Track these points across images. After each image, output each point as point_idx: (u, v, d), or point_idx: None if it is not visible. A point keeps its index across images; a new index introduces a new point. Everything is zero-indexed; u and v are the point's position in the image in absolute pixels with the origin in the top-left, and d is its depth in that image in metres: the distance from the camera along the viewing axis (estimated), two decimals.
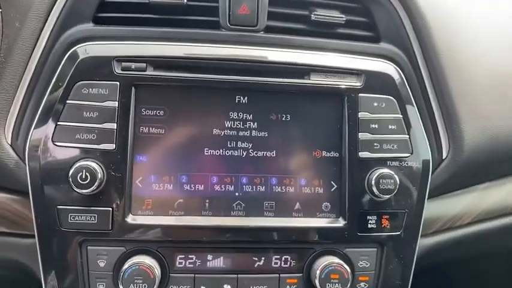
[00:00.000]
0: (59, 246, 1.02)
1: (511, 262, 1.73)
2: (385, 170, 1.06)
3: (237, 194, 1.06)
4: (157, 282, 1.00)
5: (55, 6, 1.07)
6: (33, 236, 1.05)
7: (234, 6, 1.09)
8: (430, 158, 1.12)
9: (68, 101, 1.01)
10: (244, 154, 1.07)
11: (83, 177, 0.97)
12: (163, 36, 1.07)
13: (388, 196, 1.07)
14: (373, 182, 1.06)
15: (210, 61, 1.06)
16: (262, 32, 1.11)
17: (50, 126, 1.01)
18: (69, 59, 1.04)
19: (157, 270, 1.02)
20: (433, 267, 1.41)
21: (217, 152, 1.06)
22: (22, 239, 1.12)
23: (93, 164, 0.98)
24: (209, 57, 1.06)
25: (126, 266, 1.00)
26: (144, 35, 1.08)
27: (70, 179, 0.97)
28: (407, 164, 1.10)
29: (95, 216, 1.01)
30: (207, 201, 1.06)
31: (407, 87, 1.13)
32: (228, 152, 1.07)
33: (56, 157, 1.00)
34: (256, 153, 1.08)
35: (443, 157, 1.18)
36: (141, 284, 0.98)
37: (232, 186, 1.07)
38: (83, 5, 1.08)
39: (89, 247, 1.03)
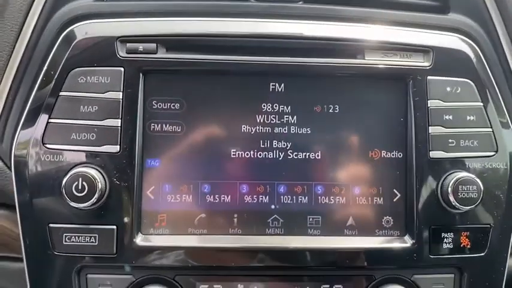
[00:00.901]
0: (51, 274, 0.87)
1: None
2: (465, 174, 0.88)
3: (273, 206, 0.88)
4: None
5: None
6: (21, 260, 0.91)
7: None
8: None
9: (61, 93, 0.86)
10: (282, 156, 0.89)
11: (80, 187, 0.82)
12: (177, 10, 0.94)
13: (469, 207, 0.88)
14: (449, 190, 0.87)
15: (236, 39, 0.90)
16: (301, 2, 0.96)
17: (40, 124, 0.86)
18: (64, 41, 0.89)
19: None
20: None
21: (248, 155, 0.88)
22: (11, 263, 1.01)
23: (92, 171, 0.83)
24: (235, 34, 0.90)
25: None
26: (154, 10, 0.94)
27: (63, 190, 0.81)
28: (491, 165, 0.92)
29: (95, 237, 0.85)
30: (236, 216, 0.88)
31: (488, 68, 0.94)
32: (260, 154, 0.89)
33: (47, 163, 0.85)
34: (296, 155, 0.89)
35: None
36: None
37: (267, 197, 0.88)
38: None
39: (88, 275, 0.88)
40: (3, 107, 0.91)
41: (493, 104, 0.92)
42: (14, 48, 0.91)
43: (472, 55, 0.93)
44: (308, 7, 0.94)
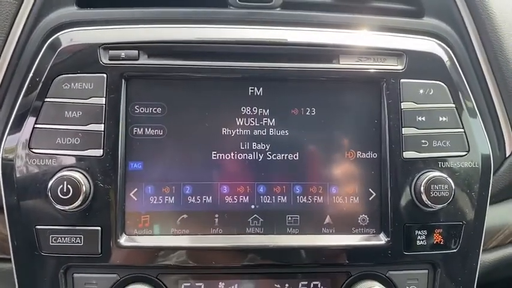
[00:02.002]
0: (39, 274, 0.89)
1: None
2: (437, 173, 0.90)
3: (253, 206, 0.90)
4: None
5: None
6: (7, 261, 0.95)
7: None
8: (491, 156, 0.95)
9: (46, 99, 0.88)
10: (261, 158, 0.91)
11: (65, 190, 0.83)
12: (158, 18, 0.96)
13: (441, 205, 0.90)
14: (422, 189, 0.89)
15: (215, 45, 0.91)
16: (278, 9, 0.98)
17: (27, 129, 0.87)
18: (49, 49, 0.90)
19: None
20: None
21: (228, 157, 0.90)
22: (1, 264, 1.00)
23: (76, 175, 0.84)
24: (215, 40, 0.91)
25: None
26: (136, 18, 0.96)
27: (49, 193, 0.83)
28: (463, 164, 0.93)
29: (81, 238, 0.87)
30: (217, 216, 0.90)
31: (460, 70, 0.96)
32: (240, 156, 0.90)
33: (34, 167, 0.87)
34: (275, 156, 0.91)
35: (507, 154, 1.03)
36: None
37: (247, 198, 0.90)
38: None
39: (75, 275, 0.90)
40: None
41: (465, 105, 0.94)
42: (0, 55, 0.92)
43: (444, 58, 0.95)
44: (286, 13, 0.96)
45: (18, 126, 0.87)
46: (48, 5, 0.94)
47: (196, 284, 0.90)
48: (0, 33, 0.92)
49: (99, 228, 0.86)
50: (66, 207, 0.84)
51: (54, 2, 0.94)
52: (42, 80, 0.87)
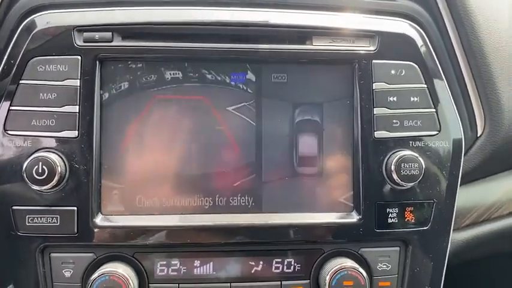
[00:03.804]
0: (16, 254, 0.90)
1: None
2: (407, 152, 0.92)
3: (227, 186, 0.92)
4: None
5: None
6: None
7: None
8: (463, 136, 0.98)
9: (21, 81, 0.89)
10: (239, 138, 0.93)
11: (40, 171, 0.85)
12: (133, 0, 0.94)
13: (411, 184, 0.92)
14: (392, 167, 0.91)
15: (190, 27, 0.91)
16: None
17: (2, 112, 0.89)
18: (23, 31, 0.91)
19: (134, 281, 0.88)
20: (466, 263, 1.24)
21: (202, 140, 0.92)
22: None
23: (52, 156, 0.86)
24: (189, 21, 0.92)
25: (95, 275, 0.86)
26: (111, 0, 0.94)
27: (24, 174, 0.85)
28: (434, 143, 0.95)
29: (57, 218, 0.88)
30: (191, 195, 0.91)
31: (432, 51, 0.98)
32: (222, 143, 0.93)
33: (9, 148, 0.88)
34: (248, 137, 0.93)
35: (478, 134, 1.05)
36: None
37: (223, 178, 0.92)
38: None
39: (52, 254, 0.91)
40: None
41: (436, 85, 0.96)
42: None
43: (417, 39, 0.97)
44: None
45: None
46: None
47: (172, 262, 0.92)
48: None
49: (75, 208, 0.87)
50: (42, 188, 0.85)
51: None
52: (17, 62, 0.88)
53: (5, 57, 0.89)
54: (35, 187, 0.85)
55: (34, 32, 0.89)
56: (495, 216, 1.13)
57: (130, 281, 0.86)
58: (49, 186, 0.84)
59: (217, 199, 0.92)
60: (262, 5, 0.96)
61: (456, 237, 1.08)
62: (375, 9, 0.99)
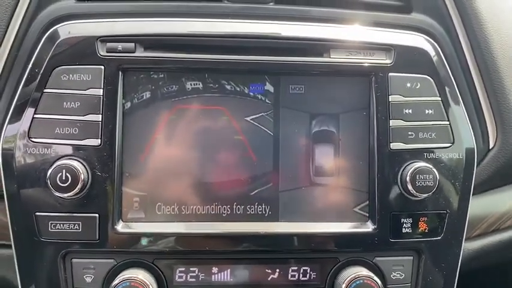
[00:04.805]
0: (39, 259, 0.93)
1: None
2: (422, 164, 0.94)
3: (247, 194, 0.95)
4: None
5: None
6: (7, 247, 0.98)
7: None
8: (475, 148, 1.00)
9: (45, 90, 0.91)
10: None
11: (63, 178, 0.87)
12: (154, 11, 1.00)
13: (426, 195, 0.95)
14: (407, 179, 0.94)
15: (210, 39, 0.94)
16: (272, 3, 1.03)
17: (26, 119, 0.91)
18: (47, 41, 0.93)
19: (154, 287, 0.90)
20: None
21: (223, 148, 0.95)
22: (2, 250, 1.04)
23: (75, 163, 0.88)
24: (209, 34, 0.95)
25: (116, 281, 0.89)
26: (133, 11, 1.00)
27: (48, 181, 0.87)
28: (448, 155, 0.98)
29: (79, 224, 0.91)
30: (211, 203, 0.94)
31: (446, 64, 1.01)
32: (240, 152, 0.95)
33: (33, 156, 0.91)
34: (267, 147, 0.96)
35: (490, 146, 1.08)
36: None
37: (242, 187, 0.95)
38: None
39: (73, 260, 0.94)
40: None
41: (450, 98, 0.98)
42: (0, 46, 0.96)
43: (431, 52, 0.99)
44: (278, 8, 1.00)
45: (17, 116, 0.91)
46: None
47: (191, 268, 0.94)
48: (0, 25, 0.95)
49: (96, 215, 0.90)
50: (65, 195, 0.87)
51: None
52: (41, 71, 0.91)
53: (30, 66, 0.92)
54: (58, 194, 0.87)
55: (58, 41, 0.92)
56: (505, 226, 1.14)
57: (152, 287, 0.88)
58: (72, 193, 0.87)
59: (234, 207, 0.94)
60: (281, 17, 0.99)
61: (467, 246, 1.10)
62: (391, 23, 1.02)
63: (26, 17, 0.97)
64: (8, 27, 0.96)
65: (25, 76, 0.92)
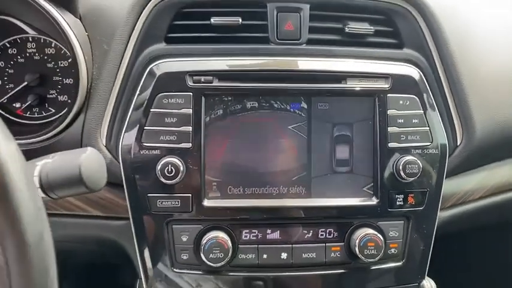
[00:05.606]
0: (149, 227, 1.20)
1: None
2: (410, 157, 1.21)
3: (293, 179, 1.25)
4: (230, 251, 1.22)
5: (134, 30, 1.26)
6: (122, 219, 1.27)
7: (280, 23, 1.27)
8: (447, 145, 1.26)
9: (151, 110, 1.17)
10: (301, 148, 1.26)
11: (169, 170, 1.14)
12: (224, 52, 1.23)
13: (412, 178, 1.21)
14: (400, 167, 1.20)
15: (262, 72, 1.22)
16: (304, 45, 1.26)
17: (139, 130, 1.17)
18: (149, 75, 1.19)
19: (229, 242, 1.19)
20: (450, 235, 1.59)
21: (275, 151, 1.24)
22: (114, 221, 1.31)
23: (175, 160, 1.15)
24: (261, 68, 1.22)
25: (206, 239, 1.18)
26: (209, 52, 1.23)
27: (159, 173, 1.14)
28: (428, 151, 1.24)
29: (178, 201, 1.18)
30: (269, 187, 1.25)
31: (427, 86, 1.26)
32: (284, 151, 1.25)
33: (145, 155, 1.17)
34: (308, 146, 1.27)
35: (458, 144, 1.31)
36: (218, 253, 1.20)
37: (293, 177, 1.26)
38: (156, 27, 1.27)
39: (173, 226, 1.20)
40: (110, 119, 1.24)
41: (430, 111, 1.24)
42: (115, 80, 1.20)
43: (417, 78, 1.24)
44: (309, 48, 1.27)
45: (132, 128, 1.17)
46: (145, 43, 1.24)
47: (252, 230, 1.22)
48: (114, 64, 1.22)
49: (190, 195, 1.17)
50: (169, 182, 1.14)
51: (149, 41, 1.25)
52: (147, 97, 1.17)
53: (137, 92, 1.22)
54: (164, 181, 1.14)
55: (158, 75, 1.18)
56: (469, 200, 1.40)
57: (228, 242, 1.22)
58: (174, 181, 1.14)
59: (281, 188, 1.22)
60: (311, 55, 1.26)
61: (442, 214, 1.34)
62: (389, 57, 1.29)
63: (132, 57, 1.21)
64: (119, 67, 1.20)
65: (134, 100, 1.21)
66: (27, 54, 1.33)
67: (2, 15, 1.33)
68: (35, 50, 1.33)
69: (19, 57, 1.33)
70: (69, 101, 1.29)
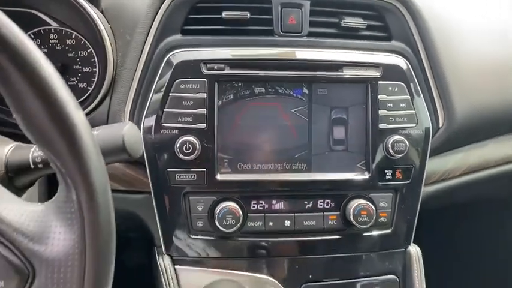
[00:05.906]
0: (170, 198, 1.31)
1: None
2: (398, 137, 1.32)
3: (295, 157, 1.36)
4: (241, 219, 1.37)
5: (154, 22, 1.38)
6: (142, 193, 1.36)
7: (284, 17, 1.41)
8: (431, 127, 1.37)
9: (170, 94, 1.27)
10: (301, 128, 1.38)
11: (187, 148, 1.24)
12: (234, 43, 1.33)
13: (400, 155, 1.32)
14: (389, 146, 1.32)
15: (268, 61, 1.33)
16: (305, 37, 1.36)
17: (159, 112, 1.26)
18: (167, 63, 1.29)
19: (239, 211, 1.30)
20: (435, 212, 1.77)
21: (279, 132, 1.35)
22: (133, 195, 1.40)
23: (192, 138, 1.25)
24: (267, 58, 1.32)
25: (219, 208, 1.29)
26: (221, 43, 1.33)
27: (178, 150, 1.24)
28: (414, 131, 1.35)
29: (194, 175, 1.28)
30: (276, 164, 1.36)
31: (414, 75, 1.36)
32: (288, 131, 1.36)
33: (166, 134, 1.26)
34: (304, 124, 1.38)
35: (440, 126, 1.42)
36: (230, 220, 1.34)
37: (294, 156, 1.37)
38: (174, 20, 1.39)
39: (190, 197, 1.31)
40: (132, 102, 1.35)
41: (415, 96, 1.34)
42: (136, 68, 1.30)
43: (405, 67, 1.34)
44: (309, 39, 1.38)
45: (153, 110, 1.26)
46: (164, 34, 1.35)
47: (259, 201, 1.33)
48: (136, 54, 1.34)
49: (205, 169, 1.27)
50: (186, 158, 1.24)
51: (167, 33, 1.37)
52: (166, 82, 1.25)
53: (156, 79, 1.28)
54: (182, 157, 1.23)
55: (176, 63, 1.27)
56: (449, 177, 1.52)
57: (239, 211, 1.31)
58: (191, 157, 1.24)
59: (284, 164, 1.32)
60: (311, 46, 1.38)
61: (426, 189, 1.45)
62: (379, 49, 1.37)
63: (152, 47, 1.30)
64: (140, 55, 1.30)
65: (154, 86, 1.28)
66: (50, 45, 1.43)
67: (27, 8, 1.44)
68: (57, 41, 1.42)
69: (42, 47, 1.43)
70: (88, 87, 1.41)
